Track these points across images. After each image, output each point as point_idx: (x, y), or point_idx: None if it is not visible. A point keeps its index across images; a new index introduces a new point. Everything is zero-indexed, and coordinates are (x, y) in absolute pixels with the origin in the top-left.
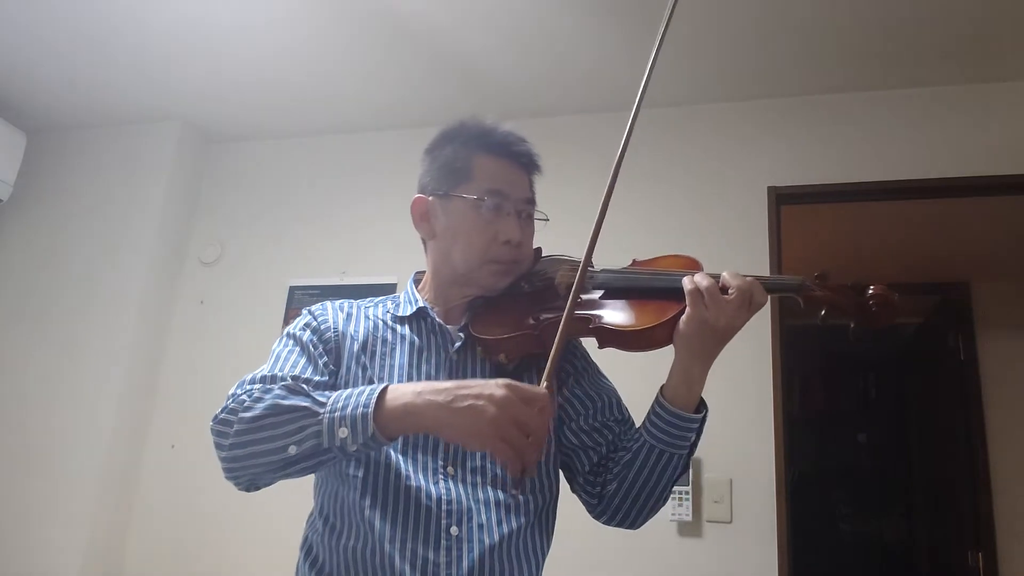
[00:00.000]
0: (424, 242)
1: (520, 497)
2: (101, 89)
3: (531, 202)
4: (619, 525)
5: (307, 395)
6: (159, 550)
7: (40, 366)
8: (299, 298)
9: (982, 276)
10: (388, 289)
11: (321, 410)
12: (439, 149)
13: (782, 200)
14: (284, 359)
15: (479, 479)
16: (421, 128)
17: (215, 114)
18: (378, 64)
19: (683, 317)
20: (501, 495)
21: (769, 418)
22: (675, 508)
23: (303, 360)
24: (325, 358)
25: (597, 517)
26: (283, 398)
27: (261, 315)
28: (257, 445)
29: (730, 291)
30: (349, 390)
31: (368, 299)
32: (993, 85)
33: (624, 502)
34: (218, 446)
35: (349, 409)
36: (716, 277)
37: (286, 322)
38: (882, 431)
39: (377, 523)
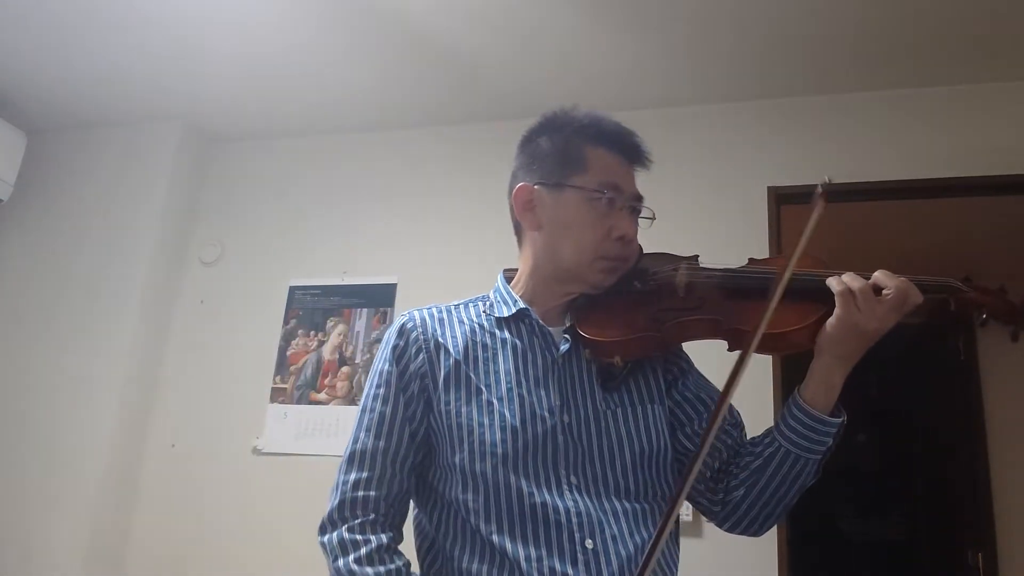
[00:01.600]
0: (519, 235)
1: (646, 505)
2: (101, 89)
3: (641, 198)
4: (743, 532)
5: None
6: (159, 550)
7: (40, 366)
8: (299, 298)
9: (982, 276)
10: (388, 289)
11: None
12: (542, 137)
13: (782, 200)
14: (368, 418)
15: (602, 488)
16: (421, 128)
17: (215, 114)
18: (378, 64)
19: (831, 320)
20: (627, 504)
21: (769, 418)
22: None
23: (388, 412)
24: (412, 404)
25: (720, 524)
26: None
27: (261, 315)
28: None
29: (885, 291)
30: None
31: (456, 301)
32: (993, 85)
33: (752, 509)
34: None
35: None
36: (865, 277)
37: (286, 322)
38: (882, 431)
39: (508, 546)
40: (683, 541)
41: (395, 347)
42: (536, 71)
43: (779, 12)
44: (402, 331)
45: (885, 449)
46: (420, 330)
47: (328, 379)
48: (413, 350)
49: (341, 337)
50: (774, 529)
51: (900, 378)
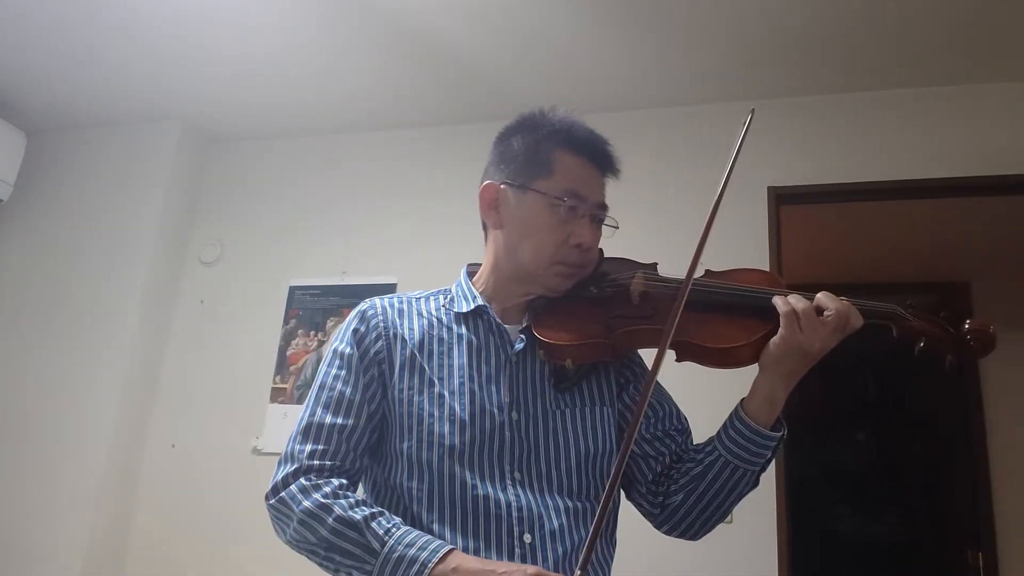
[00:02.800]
0: (485, 231)
1: (588, 504)
2: (101, 89)
3: (605, 207)
4: (681, 536)
5: (363, 531)
6: (159, 550)
7: (40, 366)
8: (299, 298)
9: (982, 276)
10: (388, 289)
11: (373, 560)
12: (515, 137)
13: (782, 200)
14: (327, 396)
15: (546, 485)
16: (421, 128)
17: (215, 114)
18: (378, 64)
19: (775, 339)
20: (569, 502)
21: None
22: None
23: (348, 392)
24: (372, 387)
25: (658, 527)
26: (337, 533)
27: (261, 315)
28: (312, 555)
29: (826, 313)
30: (402, 547)
31: (419, 292)
32: (993, 85)
33: (690, 514)
34: (276, 528)
35: (400, 573)
36: (809, 298)
37: (286, 322)
38: (882, 430)
39: (448, 536)
40: (683, 541)
41: (356, 331)
42: (536, 71)
43: (778, 12)
44: (363, 317)
45: (884, 449)
46: (381, 318)
47: None
48: (373, 336)
49: None
50: (773, 529)
51: (899, 378)
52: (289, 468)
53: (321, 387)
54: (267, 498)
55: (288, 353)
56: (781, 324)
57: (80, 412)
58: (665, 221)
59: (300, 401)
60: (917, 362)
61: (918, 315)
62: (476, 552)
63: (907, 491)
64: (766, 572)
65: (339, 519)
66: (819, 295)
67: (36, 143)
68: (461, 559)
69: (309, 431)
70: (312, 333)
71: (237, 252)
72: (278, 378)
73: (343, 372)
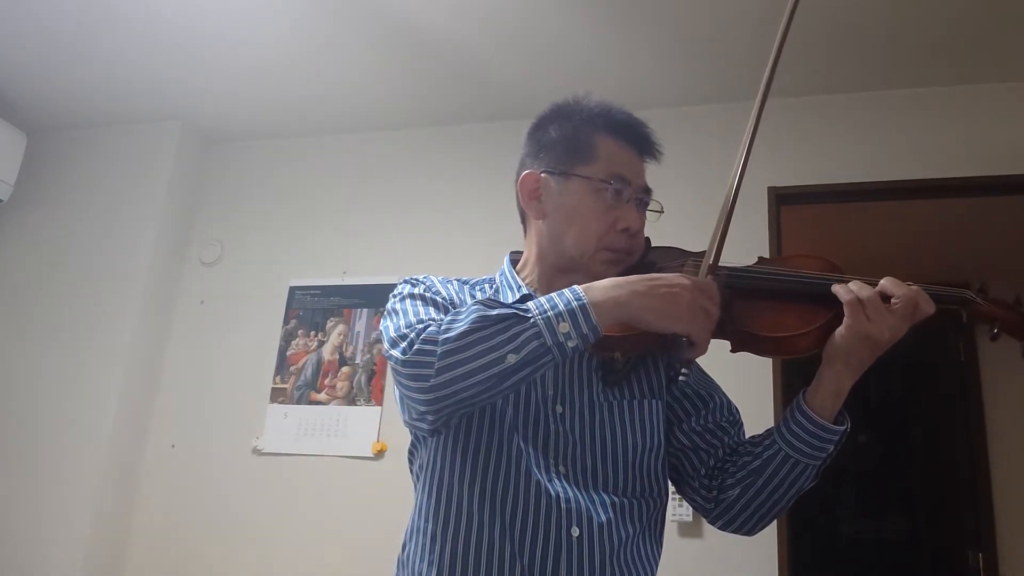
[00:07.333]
0: (525, 222)
1: (634, 501)
2: (101, 89)
3: (649, 191)
4: (736, 531)
5: (507, 305)
6: (159, 550)
7: (40, 366)
8: (299, 298)
9: (982, 276)
10: (388, 289)
11: (529, 315)
12: (551, 125)
13: (782, 200)
14: (417, 312)
15: (591, 480)
16: (421, 128)
17: (215, 114)
18: (378, 64)
19: (841, 330)
20: (615, 498)
21: (770, 419)
22: (675, 508)
23: (433, 311)
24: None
25: (712, 522)
26: (486, 311)
27: (261, 315)
28: (470, 362)
29: (894, 300)
30: (542, 298)
31: (465, 278)
32: (993, 85)
33: (746, 509)
34: (418, 377)
35: (561, 306)
36: (872, 284)
37: (286, 322)
38: (883, 431)
39: (497, 523)
40: (683, 541)
41: (424, 291)
42: (538, 73)
43: (778, 12)
44: (423, 281)
45: (885, 449)
46: (441, 288)
47: (328, 379)
48: (435, 294)
49: (341, 337)
50: (774, 529)
51: (900, 378)
52: (410, 329)
53: (407, 313)
54: (403, 351)
55: (288, 353)
56: (846, 313)
57: (80, 412)
58: (666, 222)
59: (300, 401)
60: (917, 363)
61: (989, 299)
62: (520, 544)
63: (907, 491)
64: (766, 572)
65: (480, 302)
66: (883, 281)
67: (36, 143)
68: (612, 279)
69: (409, 327)
70: (312, 333)
71: (237, 252)
72: (278, 378)
73: (429, 307)
